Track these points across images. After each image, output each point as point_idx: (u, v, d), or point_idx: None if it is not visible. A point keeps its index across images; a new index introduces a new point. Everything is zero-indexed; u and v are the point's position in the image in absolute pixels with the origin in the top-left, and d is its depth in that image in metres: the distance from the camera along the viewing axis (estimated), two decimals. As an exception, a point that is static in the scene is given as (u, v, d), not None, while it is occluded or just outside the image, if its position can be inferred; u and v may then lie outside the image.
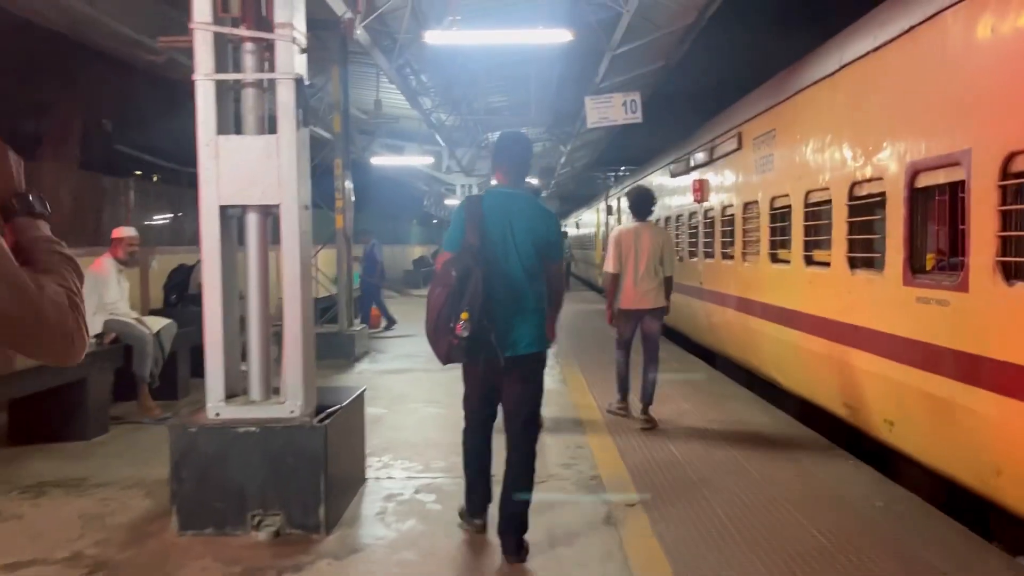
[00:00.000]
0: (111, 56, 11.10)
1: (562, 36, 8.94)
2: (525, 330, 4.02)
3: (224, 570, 3.95)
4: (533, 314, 4.06)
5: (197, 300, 4.57)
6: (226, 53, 4.54)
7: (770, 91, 8.39)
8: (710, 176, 10.98)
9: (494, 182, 4.36)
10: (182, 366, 8.09)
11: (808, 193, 7.06)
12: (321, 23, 9.42)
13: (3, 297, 1.30)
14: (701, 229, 11.45)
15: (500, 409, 4.32)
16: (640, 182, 17.05)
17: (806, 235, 7.13)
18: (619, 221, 19.27)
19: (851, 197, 6.11)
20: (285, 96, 4.38)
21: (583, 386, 8.76)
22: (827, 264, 6.61)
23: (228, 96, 4.58)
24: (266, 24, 4.43)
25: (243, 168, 4.36)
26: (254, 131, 4.50)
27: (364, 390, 5.44)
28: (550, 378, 8.55)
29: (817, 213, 7.04)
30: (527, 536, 4.12)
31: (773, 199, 8.07)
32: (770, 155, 8.20)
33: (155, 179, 21.40)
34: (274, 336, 4.64)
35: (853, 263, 6.11)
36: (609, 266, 6.94)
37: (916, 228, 5.24)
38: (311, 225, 4.73)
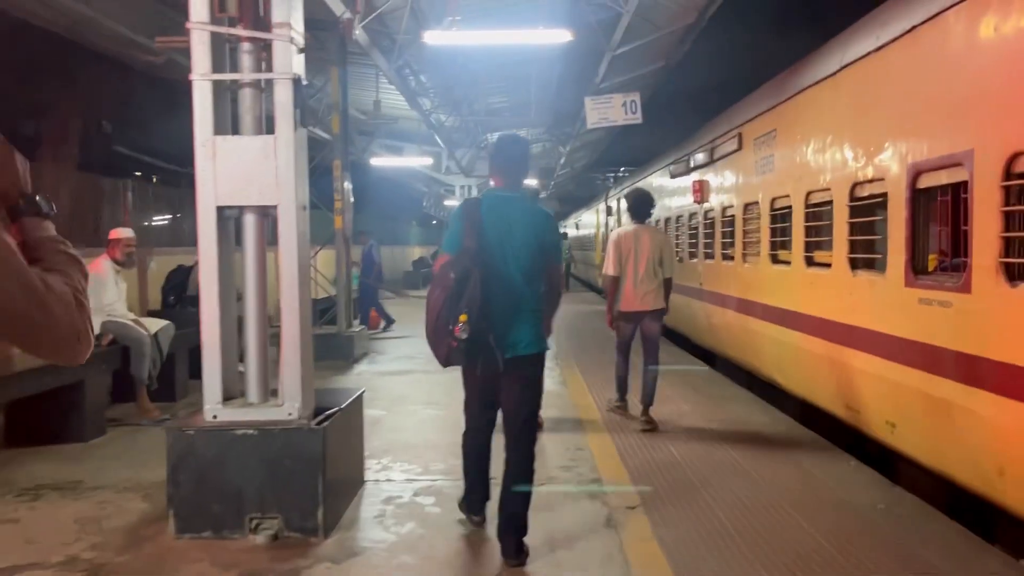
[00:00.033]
0: (110, 57, 11.08)
1: (562, 36, 8.92)
2: (524, 331, 4.02)
3: (221, 574, 3.92)
4: (531, 315, 4.07)
5: (196, 301, 4.54)
6: (223, 53, 4.51)
7: (771, 91, 8.36)
8: (710, 177, 10.95)
9: (492, 184, 4.35)
10: (180, 367, 8.05)
11: (809, 194, 7.03)
12: (320, 23, 9.40)
13: (13, 295, 1.32)
14: (701, 230, 11.43)
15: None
16: (639, 183, 17.03)
17: (807, 236, 7.11)
18: (619, 222, 19.24)
19: (852, 198, 6.08)
20: (283, 96, 4.34)
21: (583, 387, 8.73)
22: (828, 265, 6.59)
23: (225, 96, 4.54)
24: (263, 24, 4.40)
25: (240, 168, 4.33)
26: (251, 131, 4.46)
27: (363, 392, 5.41)
28: (550, 379, 8.55)
29: (818, 214, 7.01)
30: (527, 539, 4.09)
31: (774, 200, 8.04)
32: (771, 156, 8.17)
33: (155, 180, 21.36)
34: (272, 337, 4.61)
35: (854, 264, 6.09)
36: (609, 269, 6.94)
37: (918, 229, 5.21)
38: (309, 226, 4.70)
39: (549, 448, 6.13)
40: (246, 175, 4.34)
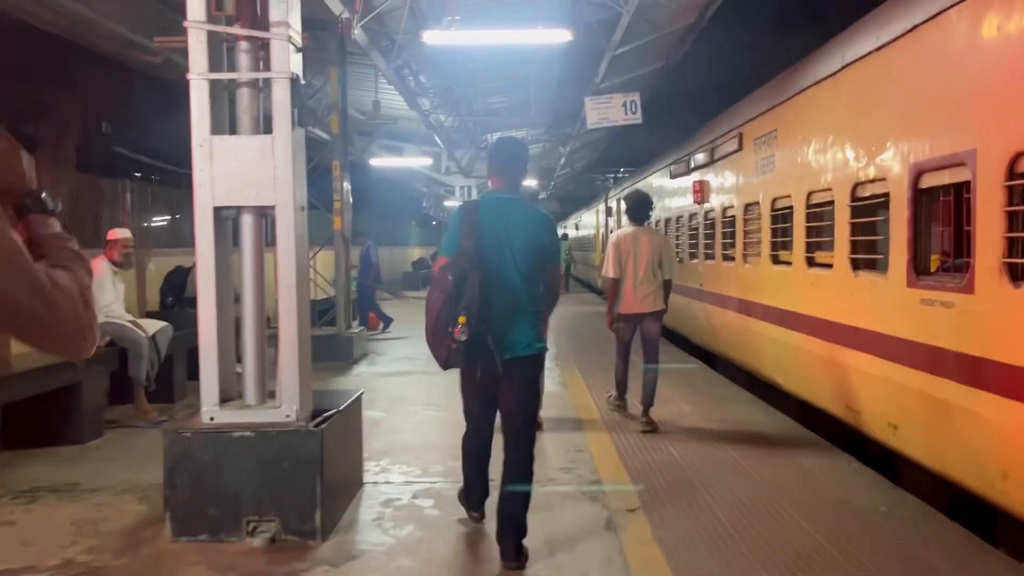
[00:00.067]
0: (109, 58, 11.05)
1: (562, 36, 8.90)
2: (522, 332, 4.02)
3: (218, 577, 3.89)
4: (530, 316, 4.07)
5: (194, 302, 4.51)
6: (221, 52, 4.48)
7: (771, 91, 8.33)
8: (710, 177, 10.92)
9: (490, 186, 4.36)
10: (179, 369, 8.02)
11: (810, 194, 7.00)
12: (319, 23, 9.37)
13: (19, 291, 1.34)
14: (701, 231, 11.40)
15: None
16: (639, 184, 17.01)
17: (808, 236, 7.08)
18: (619, 223, 19.22)
19: (854, 198, 6.05)
20: (280, 95, 4.31)
21: (583, 388, 8.71)
22: (829, 266, 6.56)
23: (223, 96, 4.51)
24: (261, 23, 4.37)
25: (238, 169, 4.30)
26: (249, 131, 4.43)
27: (362, 393, 5.38)
28: (550, 380, 8.54)
29: (819, 214, 6.98)
30: (526, 541, 4.07)
31: (774, 200, 8.01)
32: (771, 156, 8.14)
33: (154, 181, 21.34)
34: (270, 339, 4.58)
35: (856, 264, 6.05)
36: (609, 271, 6.95)
37: (920, 229, 5.17)
38: (307, 226, 4.67)
39: (549, 449, 6.10)
40: (244, 175, 4.31)
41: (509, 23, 9.77)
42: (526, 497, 4.08)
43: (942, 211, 5.07)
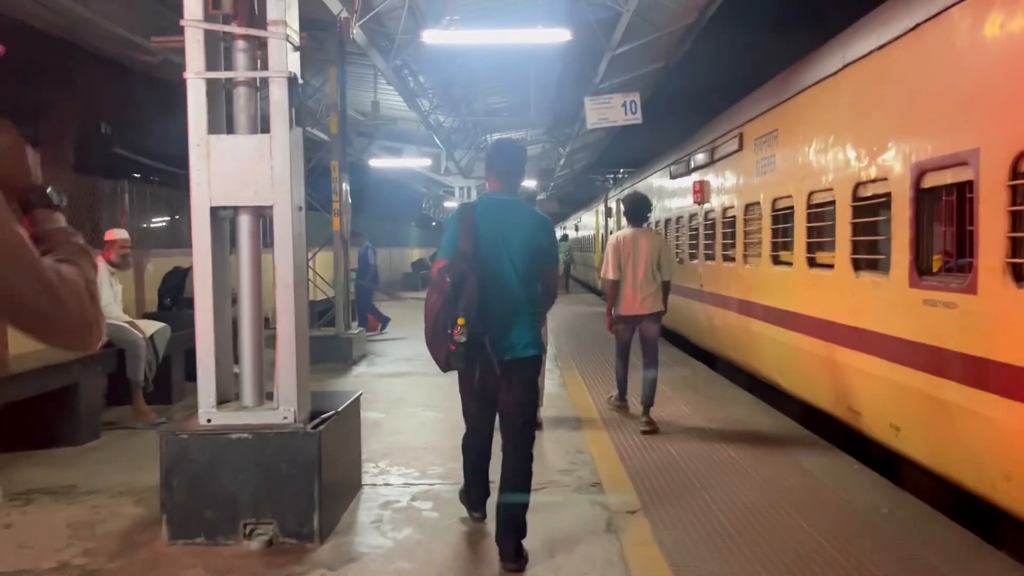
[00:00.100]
0: (108, 58, 11.03)
1: (561, 36, 8.87)
2: (520, 334, 4.02)
3: (215, 580, 3.86)
4: (528, 318, 4.07)
5: (192, 303, 4.47)
6: (218, 51, 4.45)
7: (772, 91, 8.30)
8: (711, 177, 10.89)
9: (488, 188, 4.36)
10: (177, 370, 7.98)
11: (811, 194, 6.97)
12: (318, 23, 9.35)
13: (26, 286, 1.34)
14: (702, 231, 11.36)
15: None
16: (639, 184, 17.00)
17: (809, 237, 7.05)
18: (618, 224, 19.19)
19: (855, 198, 6.02)
20: (278, 95, 4.28)
21: (583, 388, 8.67)
22: (830, 266, 6.52)
23: (220, 95, 4.48)
24: (259, 21, 4.34)
25: (235, 168, 4.26)
26: (246, 131, 4.40)
27: (360, 394, 5.34)
28: (550, 381, 8.52)
29: (820, 214, 6.95)
30: (526, 545, 4.05)
31: (775, 200, 7.98)
32: (772, 156, 8.11)
33: (153, 181, 21.32)
34: (268, 340, 4.55)
35: (857, 265, 6.02)
36: (608, 273, 6.97)
37: (922, 229, 5.14)
38: (305, 227, 4.63)
39: (549, 451, 6.07)
40: (241, 175, 4.27)
41: (508, 23, 9.74)
42: (525, 497, 4.07)
43: (944, 211, 5.04)
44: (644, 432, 6.65)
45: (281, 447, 4.25)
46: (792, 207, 7.44)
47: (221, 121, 4.46)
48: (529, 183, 21.84)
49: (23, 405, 5.98)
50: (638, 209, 7.14)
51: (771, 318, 7.99)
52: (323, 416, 4.50)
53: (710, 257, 10.87)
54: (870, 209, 5.85)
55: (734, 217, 9.56)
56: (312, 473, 4.24)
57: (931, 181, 4.99)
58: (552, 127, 19.76)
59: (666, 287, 6.99)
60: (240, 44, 4.38)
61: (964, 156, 4.52)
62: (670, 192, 13.80)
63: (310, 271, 11.63)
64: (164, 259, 10.20)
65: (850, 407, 6.21)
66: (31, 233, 1.47)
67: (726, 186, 10.10)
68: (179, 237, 15.02)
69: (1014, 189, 4.10)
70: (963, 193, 4.73)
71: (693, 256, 11.95)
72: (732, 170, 9.79)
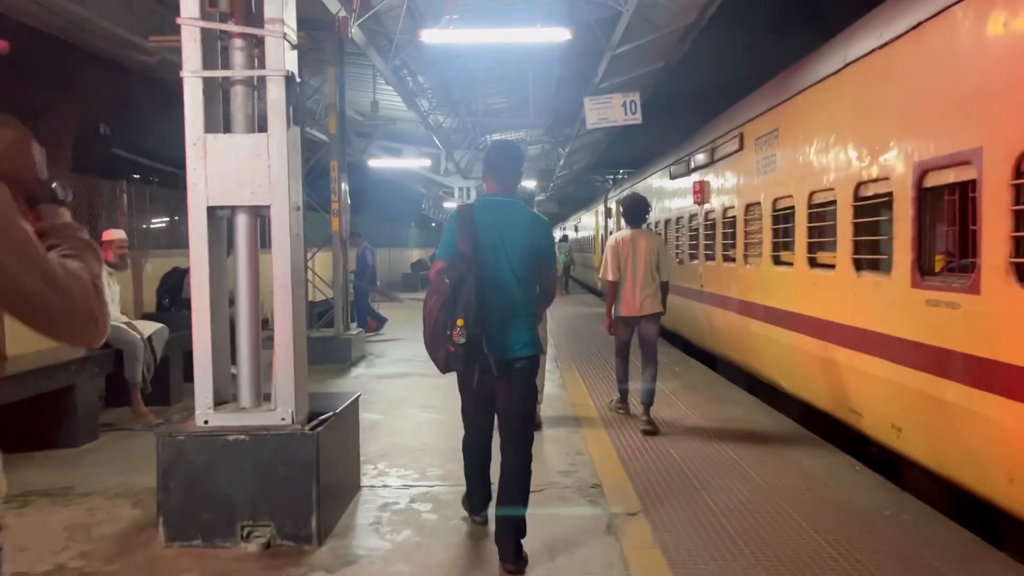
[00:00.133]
0: (107, 59, 10.99)
1: (560, 35, 8.85)
2: (518, 334, 4.02)
3: (212, 583, 3.83)
4: (526, 319, 4.08)
5: (191, 304, 4.44)
6: (215, 50, 4.41)
7: (772, 91, 8.27)
8: (711, 178, 10.86)
9: (486, 189, 4.36)
10: (175, 371, 7.95)
11: (812, 194, 6.94)
12: (318, 23, 9.32)
13: (32, 280, 1.36)
14: (702, 231, 11.33)
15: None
16: (639, 185, 16.97)
17: (810, 237, 7.02)
18: (618, 224, 19.17)
19: (856, 198, 5.98)
20: (275, 93, 4.24)
21: (583, 389, 8.64)
22: (832, 266, 6.49)
23: (217, 94, 4.45)
24: (256, 20, 4.30)
25: (232, 168, 4.23)
26: (243, 130, 4.36)
27: (359, 396, 5.31)
28: (550, 382, 8.49)
29: (821, 214, 6.92)
30: (526, 547, 4.02)
31: (776, 200, 7.95)
32: (772, 155, 8.08)
33: (153, 182, 21.28)
34: (266, 341, 4.51)
35: (859, 265, 5.99)
36: (608, 274, 6.98)
37: (924, 229, 5.11)
38: (303, 227, 4.60)
39: (549, 452, 6.04)
40: (238, 175, 4.24)
41: (508, 22, 9.72)
42: (524, 497, 4.06)
43: (947, 210, 5.00)
44: (644, 431, 6.63)
45: (279, 449, 4.21)
46: (793, 207, 7.41)
47: (218, 120, 4.43)
48: (528, 184, 21.82)
49: (20, 406, 5.94)
50: (636, 210, 7.15)
51: (772, 319, 7.96)
52: (321, 417, 4.47)
53: (710, 257, 10.84)
54: (872, 209, 5.82)
55: (734, 217, 9.52)
56: (310, 475, 4.20)
57: (933, 180, 4.96)
58: (552, 127, 19.73)
59: (664, 288, 6.99)
60: (237, 42, 4.35)
61: (967, 155, 4.49)
62: (670, 192, 13.76)
63: (309, 272, 11.62)
64: (163, 259, 10.17)
65: (851, 408, 6.18)
66: (36, 228, 1.49)
67: (726, 186, 10.06)
68: (178, 238, 14.98)
69: (1017, 188, 4.07)
70: (966, 192, 4.70)
71: (693, 256, 11.92)
72: (732, 170, 9.76)
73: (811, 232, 7.01)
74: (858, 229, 6.01)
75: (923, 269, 5.08)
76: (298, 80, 4.38)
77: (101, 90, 15.96)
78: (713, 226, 10.63)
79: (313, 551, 4.16)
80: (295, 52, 4.43)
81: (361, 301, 14.58)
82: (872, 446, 6.10)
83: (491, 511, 4.35)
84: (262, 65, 4.32)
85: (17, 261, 1.34)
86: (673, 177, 13.38)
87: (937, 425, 4.91)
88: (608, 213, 23.09)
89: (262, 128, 4.32)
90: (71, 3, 8.66)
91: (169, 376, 7.80)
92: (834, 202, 6.41)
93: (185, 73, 4.20)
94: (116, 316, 7.15)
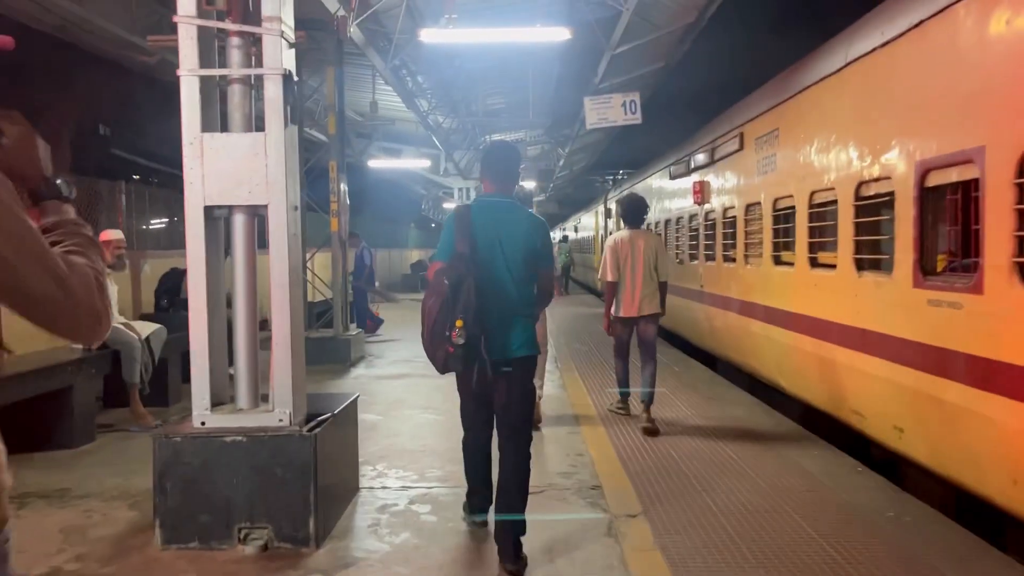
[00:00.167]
0: (106, 59, 10.96)
1: (560, 34, 8.82)
2: (516, 335, 4.02)
3: (208, 586, 3.79)
4: (523, 319, 4.07)
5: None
6: (212, 48, 4.38)
7: (773, 90, 8.24)
8: (711, 178, 10.83)
9: (483, 190, 4.35)
10: (173, 372, 7.91)
11: (813, 194, 6.91)
12: (317, 23, 9.30)
13: (35, 276, 1.36)
14: (702, 231, 11.30)
15: None
16: (638, 185, 16.94)
17: (810, 237, 6.99)
18: (618, 225, 19.15)
19: (858, 197, 5.95)
20: (273, 92, 4.21)
21: (582, 390, 8.61)
22: (833, 266, 6.46)
23: (214, 93, 4.41)
24: (253, 18, 4.27)
25: (229, 167, 4.19)
26: (241, 129, 4.33)
27: (357, 396, 5.27)
28: (550, 383, 8.46)
29: (822, 214, 6.89)
30: (526, 550, 3.99)
31: (776, 200, 7.92)
32: (773, 155, 8.05)
33: (153, 183, 21.25)
34: (264, 341, 4.48)
35: (860, 265, 5.96)
36: (607, 275, 7.00)
37: (926, 228, 5.08)
38: (300, 226, 4.57)
39: (549, 453, 6.01)
40: (235, 174, 4.20)
41: (507, 22, 9.69)
42: (523, 496, 4.05)
43: (949, 210, 4.97)
44: (645, 430, 6.64)
45: (276, 450, 4.18)
46: (793, 207, 7.38)
47: (215, 119, 4.40)
48: (528, 184, 21.78)
49: (17, 407, 5.90)
50: (635, 210, 7.16)
51: (772, 319, 7.93)
52: (319, 418, 4.44)
53: (710, 258, 10.81)
54: (873, 208, 5.79)
55: (735, 217, 9.49)
56: (308, 476, 4.17)
57: (935, 180, 4.93)
58: (551, 128, 19.71)
59: (663, 288, 7.00)
60: (234, 41, 4.31)
61: (969, 154, 4.45)
62: (670, 193, 13.73)
63: (308, 272, 11.59)
64: (161, 260, 10.15)
65: (853, 409, 6.14)
66: (40, 224, 1.52)
67: (726, 186, 10.03)
68: (178, 238, 14.95)
69: (1021, 187, 4.03)
70: (968, 192, 4.67)
71: (693, 257, 11.89)
72: (732, 170, 9.73)
73: (812, 232, 6.98)
74: (859, 229, 5.98)
75: (925, 269, 5.05)
76: (296, 79, 4.35)
77: (100, 90, 15.95)
78: (713, 226, 10.60)
79: (311, 553, 4.12)
80: (293, 50, 4.40)
81: (360, 302, 14.55)
82: (873, 447, 6.07)
83: (491, 515, 4.32)
84: (259, 64, 4.28)
85: (20, 255, 1.33)
86: (673, 177, 13.35)
87: (939, 426, 4.88)
88: (608, 214, 23.07)
89: (260, 127, 4.29)
90: (69, 2, 8.63)
91: (167, 377, 7.77)
92: (835, 202, 6.38)
93: (182, 71, 4.16)
94: (114, 317, 7.11)
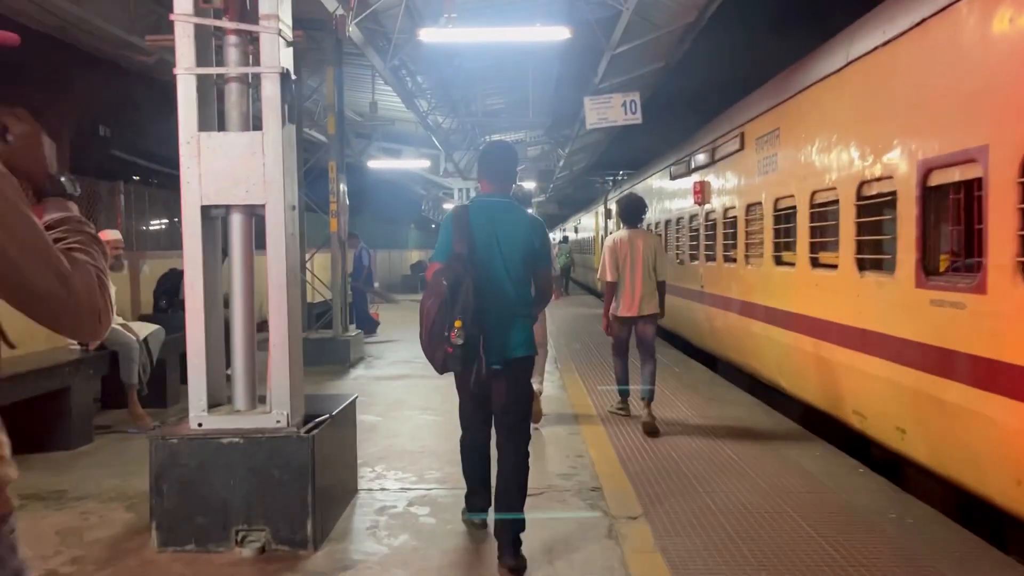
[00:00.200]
0: (105, 59, 10.94)
1: (560, 34, 8.78)
2: (514, 335, 4.01)
3: (205, 589, 3.76)
4: (521, 319, 4.06)
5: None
6: (209, 46, 4.35)
7: (773, 90, 8.21)
8: (711, 178, 10.80)
9: (480, 190, 4.35)
10: (172, 373, 7.88)
11: (814, 193, 6.88)
12: (316, 23, 9.27)
13: (40, 274, 1.36)
14: (702, 232, 11.27)
15: None
16: (638, 186, 16.91)
17: (812, 237, 6.95)
18: (618, 225, 19.11)
19: (859, 197, 5.92)
20: (270, 91, 4.18)
21: (583, 391, 8.58)
22: (834, 267, 6.43)
23: (211, 92, 4.38)
24: (250, 16, 4.24)
25: (226, 166, 4.16)
26: (238, 128, 4.30)
27: (356, 397, 5.24)
28: (550, 383, 8.42)
29: (823, 214, 6.86)
30: (526, 552, 3.96)
31: (777, 200, 7.89)
32: (774, 155, 8.02)
33: (153, 183, 21.23)
34: (262, 342, 4.44)
35: (862, 265, 5.92)
36: (606, 275, 7.01)
37: (929, 228, 5.04)
38: (298, 226, 4.54)
39: (549, 455, 5.98)
40: (233, 173, 4.17)
41: (507, 21, 9.66)
42: (522, 495, 4.03)
43: (952, 209, 4.94)
44: (645, 423, 6.65)
45: (274, 451, 4.14)
46: (794, 207, 7.35)
47: (212, 118, 4.36)
48: (528, 185, 21.77)
49: (14, 408, 5.86)
50: (633, 210, 7.18)
51: (773, 319, 7.89)
52: (317, 420, 4.41)
53: (711, 258, 10.78)
54: (875, 208, 5.75)
55: (735, 218, 9.46)
56: (305, 478, 4.13)
57: (938, 179, 4.89)
58: (551, 128, 19.68)
59: (661, 288, 7.01)
60: (231, 39, 4.28)
61: (973, 153, 4.42)
62: (670, 193, 13.70)
63: (308, 273, 11.56)
64: (160, 260, 10.12)
65: (855, 410, 6.11)
66: (44, 220, 1.52)
67: (727, 186, 10.00)
68: (177, 239, 14.91)
69: (1024, 186, 4.00)
70: (971, 191, 4.63)
71: (694, 257, 11.85)
72: (733, 170, 9.70)
73: (813, 232, 6.95)
74: (861, 229, 5.95)
75: (928, 269, 5.02)
76: (293, 77, 4.32)
77: (100, 91, 15.92)
78: (714, 226, 10.57)
79: (309, 556, 4.09)
80: (290, 49, 4.36)
81: (359, 302, 14.51)
82: (873, 447, 6.03)
83: (490, 515, 4.29)
84: (257, 62, 4.25)
85: (23, 251, 1.33)
86: (673, 178, 13.31)
87: (942, 427, 4.85)
88: (608, 214, 23.04)
89: (257, 126, 4.26)
90: (68, 3, 8.61)
91: (166, 378, 7.74)
92: (836, 202, 6.35)
93: (179, 70, 4.14)
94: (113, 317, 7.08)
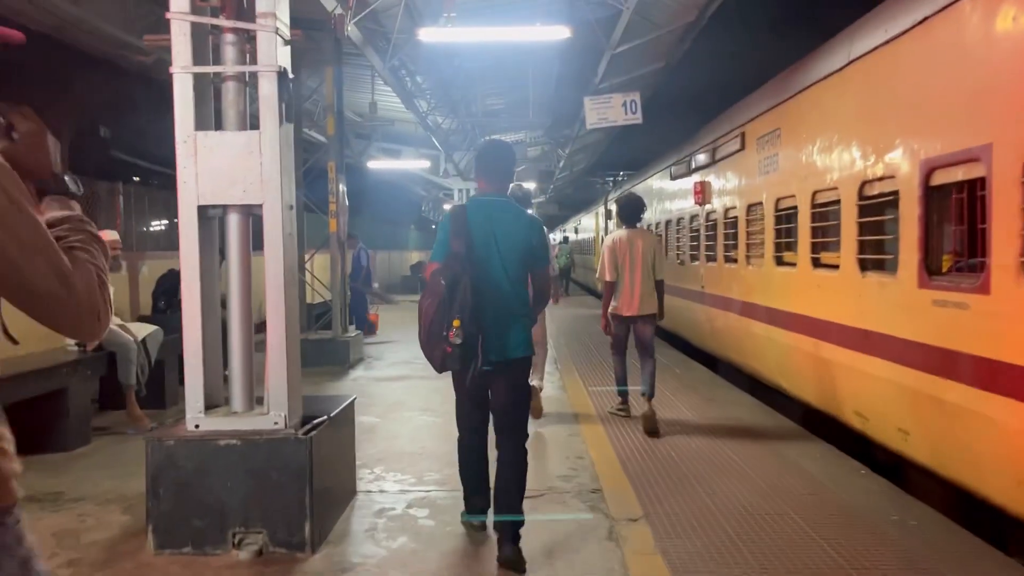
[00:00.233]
0: (104, 60, 10.91)
1: (560, 33, 8.75)
2: (512, 335, 3.99)
3: (202, 592, 3.73)
4: (519, 319, 4.04)
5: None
6: (206, 45, 4.32)
7: (774, 89, 8.18)
8: (712, 178, 10.77)
9: (478, 189, 4.32)
10: (170, 374, 7.83)
11: (815, 193, 6.85)
12: (316, 23, 9.24)
13: (39, 271, 1.36)
14: (703, 232, 11.24)
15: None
16: (638, 186, 16.89)
17: (813, 237, 6.92)
18: (618, 225, 19.07)
19: (861, 197, 5.89)
20: (267, 89, 4.15)
21: (582, 392, 8.55)
22: (836, 267, 6.39)
23: (208, 91, 4.35)
24: (247, 14, 4.21)
25: (223, 166, 4.13)
26: (235, 127, 4.26)
27: (354, 399, 5.21)
28: (550, 384, 8.39)
29: (824, 214, 6.83)
30: (525, 553, 3.94)
31: (778, 200, 7.85)
32: (774, 155, 7.99)
33: (152, 184, 21.19)
34: (260, 343, 4.41)
35: (863, 265, 5.89)
36: (605, 275, 7.02)
37: (931, 228, 5.01)
38: (297, 226, 4.51)
39: (548, 456, 5.95)
40: (230, 172, 4.14)
41: (507, 20, 9.63)
42: (521, 494, 4.03)
43: (954, 209, 4.90)
44: (645, 419, 6.65)
45: (271, 453, 4.11)
46: (795, 207, 7.32)
47: (209, 117, 4.33)
48: (528, 185, 21.77)
49: (11, 410, 5.80)
50: (632, 210, 7.19)
51: (774, 320, 7.86)
52: (315, 421, 4.38)
53: (711, 259, 10.75)
54: (877, 208, 5.72)
55: (736, 218, 9.43)
56: (303, 480, 4.10)
57: (941, 178, 4.86)
58: (551, 128, 19.65)
59: (659, 287, 7.00)
60: (228, 38, 4.25)
61: (976, 152, 4.39)
62: (671, 193, 13.67)
63: (308, 273, 11.53)
64: (160, 261, 10.09)
65: (856, 411, 6.08)
66: (46, 219, 1.52)
67: (728, 186, 9.97)
68: (177, 240, 14.89)
69: (1028, 186, 3.97)
70: (974, 190, 4.60)
71: (694, 258, 11.82)
72: (734, 170, 9.67)
73: (814, 232, 6.92)
74: (863, 229, 5.92)
75: (930, 269, 4.98)
76: (291, 76, 4.28)
77: (99, 92, 15.88)
78: (714, 227, 10.54)
79: (306, 559, 4.05)
80: (288, 48, 4.33)
81: (359, 303, 14.47)
82: (874, 448, 6.00)
83: (489, 516, 4.28)
84: (254, 60, 4.22)
85: (24, 250, 1.34)
86: (674, 178, 13.28)
87: (944, 428, 4.81)
88: (608, 215, 23.02)
89: (254, 125, 4.23)
90: (67, 3, 8.58)
91: (164, 379, 7.71)
92: (838, 201, 6.32)
93: (175, 69, 4.11)
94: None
